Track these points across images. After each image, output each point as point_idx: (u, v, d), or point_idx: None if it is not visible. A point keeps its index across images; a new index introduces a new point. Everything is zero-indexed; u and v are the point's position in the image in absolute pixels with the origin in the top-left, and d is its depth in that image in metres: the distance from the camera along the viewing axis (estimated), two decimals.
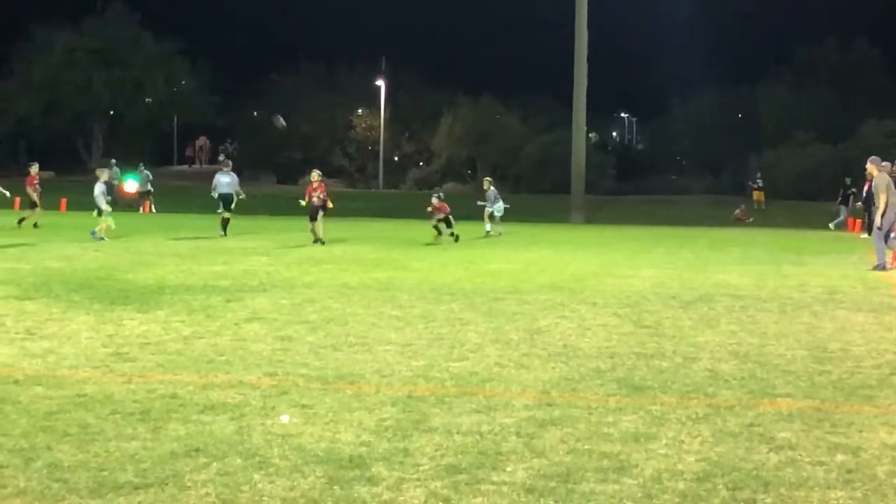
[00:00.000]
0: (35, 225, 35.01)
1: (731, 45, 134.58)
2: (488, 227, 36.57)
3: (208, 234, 32.35)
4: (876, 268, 23.13)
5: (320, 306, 15.97)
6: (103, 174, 31.58)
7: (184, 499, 6.74)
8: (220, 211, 33.20)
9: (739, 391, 10.22)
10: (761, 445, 8.16)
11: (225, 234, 31.98)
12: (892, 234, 22.97)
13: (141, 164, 56.46)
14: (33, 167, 37.27)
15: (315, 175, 31.35)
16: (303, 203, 30.94)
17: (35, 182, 36.07)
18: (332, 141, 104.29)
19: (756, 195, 63.60)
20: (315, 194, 30.60)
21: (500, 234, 36.24)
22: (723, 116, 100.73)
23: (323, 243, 29.39)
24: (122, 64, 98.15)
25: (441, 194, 33.22)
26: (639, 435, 8.43)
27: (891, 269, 23.29)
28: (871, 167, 24.36)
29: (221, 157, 36.26)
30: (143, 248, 27.04)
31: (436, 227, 31.43)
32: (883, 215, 22.87)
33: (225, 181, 33.11)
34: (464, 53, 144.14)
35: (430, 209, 31.69)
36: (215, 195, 33.20)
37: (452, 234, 31.48)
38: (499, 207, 36.95)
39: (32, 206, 35.72)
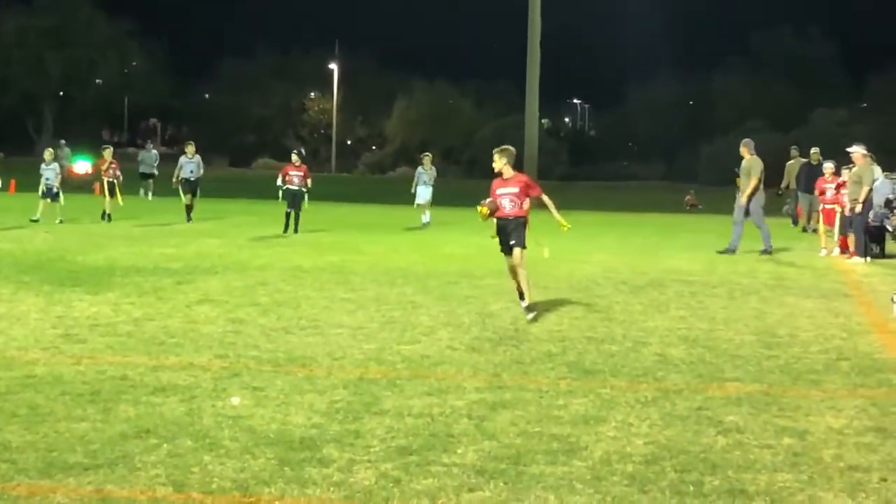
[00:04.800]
0: (105, 216, 30.56)
1: (686, 33, 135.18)
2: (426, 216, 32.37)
3: (163, 218, 32.07)
4: (764, 252, 23.70)
5: (272, 289, 15.93)
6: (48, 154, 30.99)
7: (134, 480, 6.73)
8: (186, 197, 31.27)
9: (688, 375, 10.31)
10: (709, 429, 8.25)
11: (189, 220, 30.32)
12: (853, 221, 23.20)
13: (62, 140, 55.55)
14: (106, 150, 32.70)
15: (295, 157, 28.96)
16: (280, 183, 27.84)
17: (103, 167, 31.48)
18: (286, 124, 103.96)
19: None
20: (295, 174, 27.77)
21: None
22: (676, 104, 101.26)
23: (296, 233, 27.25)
24: (75, 44, 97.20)
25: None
26: (588, 418, 8.49)
27: (827, 255, 23.65)
28: (744, 149, 24.66)
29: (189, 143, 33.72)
30: (93, 230, 26.84)
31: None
32: (750, 197, 23.80)
33: (190, 167, 31.52)
34: (418, 38, 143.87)
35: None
36: (176, 181, 31.51)
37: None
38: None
39: (111, 193, 30.79)
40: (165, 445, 7.47)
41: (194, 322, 12.79)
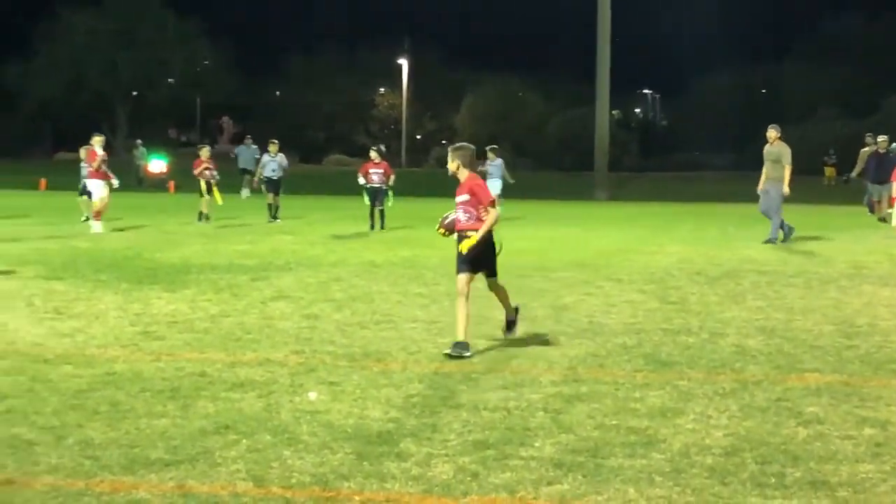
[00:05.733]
0: (202, 217, 29.80)
1: (756, 20, 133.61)
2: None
3: (234, 215, 32.29)
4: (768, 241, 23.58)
5: (346, 284, 16.00)
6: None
7: (214, 475, 6.79)
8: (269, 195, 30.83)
9: (767, 366, 10.21)
10: (789, 420, 8.16)
11: (275, 221, 29.71)
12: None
13: (138, 140, 55.75)
14: (203, 150, 31.70)
15: (374, 153, 28.12)
16: (363, 182, 27.38)
17: (199, 167, 30.34)
18: (356, 120, 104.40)
19: (828, 171, 63.92)
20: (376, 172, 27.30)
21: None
22: (747, 92, 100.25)
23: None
24: (145, 44, 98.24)
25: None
26: (666, 410, 8.44)
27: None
28: (773, 134, 24.26)
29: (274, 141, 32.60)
30: (169, 228, 27.12)
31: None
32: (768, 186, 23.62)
33: (272, 165, 31.17)
34: (487, 31, 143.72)
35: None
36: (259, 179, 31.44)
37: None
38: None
39: (209, 192, 30.00)
40: (245, 441, 7.53)
41: (270, 318, 12.88)
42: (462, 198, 11.13)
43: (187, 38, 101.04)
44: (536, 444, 7.50)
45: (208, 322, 12.56)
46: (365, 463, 7.04)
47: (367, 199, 27.27)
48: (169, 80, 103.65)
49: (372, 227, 26.89)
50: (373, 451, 7.30)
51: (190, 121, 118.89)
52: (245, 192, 42.23)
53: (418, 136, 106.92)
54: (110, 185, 26.26)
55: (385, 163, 28.13)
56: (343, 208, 36.22)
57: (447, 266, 18.48)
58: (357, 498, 6.40)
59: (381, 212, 27.14)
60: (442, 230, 11.47)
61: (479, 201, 11.04)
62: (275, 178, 30.90)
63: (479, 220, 11.05)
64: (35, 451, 7.23)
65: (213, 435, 7.67)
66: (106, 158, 26.53)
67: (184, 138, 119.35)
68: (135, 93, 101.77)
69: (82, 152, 29.82)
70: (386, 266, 18.52)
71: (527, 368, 10.10)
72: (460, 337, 10.64)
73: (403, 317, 13.00)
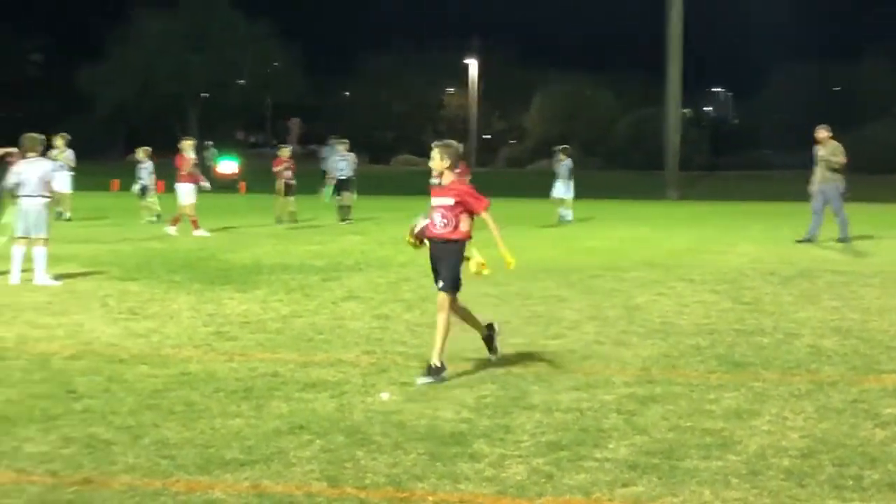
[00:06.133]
0: (283, 219, 29.49)
1: (831, 18, 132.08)
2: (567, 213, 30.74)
3: (309, 217, 32.35)
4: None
5: (416, 285, 16.01)
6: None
7: (289, 475, 6.82)
8: (336, 197, 30.88)
9: (842, 367, 10.08)
10: (866, 421, 8.06)
11: (347, 221, 29.42)
12: None
13: (209, 142, 55.62)
14: (283, 150, 31.35)
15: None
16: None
17: (280, 167, 30.02)
18: (424, 120, 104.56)
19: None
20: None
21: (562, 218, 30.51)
22: (820, 91, 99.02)
23: None
24: (216, 46, 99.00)
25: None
26: (741, 411, 8.36)
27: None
28: (825, 134, 23.97)
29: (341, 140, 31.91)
30: (240, 229, 27.30)
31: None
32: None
33: (342, 165, 30.88)
34: (555, 30, 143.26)
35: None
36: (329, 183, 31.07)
37: None
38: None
39: (287, 193, 29.84)
40: (318, 441, 7.55)
41: (341, 318, 12.93)
42: (444, 201, 9.97)
43: (257, 40, 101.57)
44: (610, 446, 7.46)
45: (280, 322, 12.63)
46: (438, 463, 7.04)
47: None
48: (239, 81, 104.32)
49: None
50: (446, 451, 7.29)
51: (259, 122, 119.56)
52: (328, 194, 41.59)
53: (487, 136, 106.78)
54: (199, 187, 26.28)
55: (462, 163, 27.68)
56: (412, 209, 36.15)
57: (517, 266, 18.44)
58: (431, 499, 6.40)
59: None
60: (413, 240, 10.53)
61: (470, 208, 10.00)
62: (344, 177, 30.70)
63: (457, 228, 9.95)
64: (112, 451, 7.31)
65: (286, 435, 7.71)
66: (197, 162, 26.61)
67: (252, 139, 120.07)
68: (205, 94, 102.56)
69: (139, 153, 30.15)
70: None
71: (599, 369, 10.05)
72: (437, 359, 9.62)
73: None
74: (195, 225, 25.28)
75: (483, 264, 10.02)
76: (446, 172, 10.14)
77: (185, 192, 25.62)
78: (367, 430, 7.84)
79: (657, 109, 61.76)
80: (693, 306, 13.88)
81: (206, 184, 26.85)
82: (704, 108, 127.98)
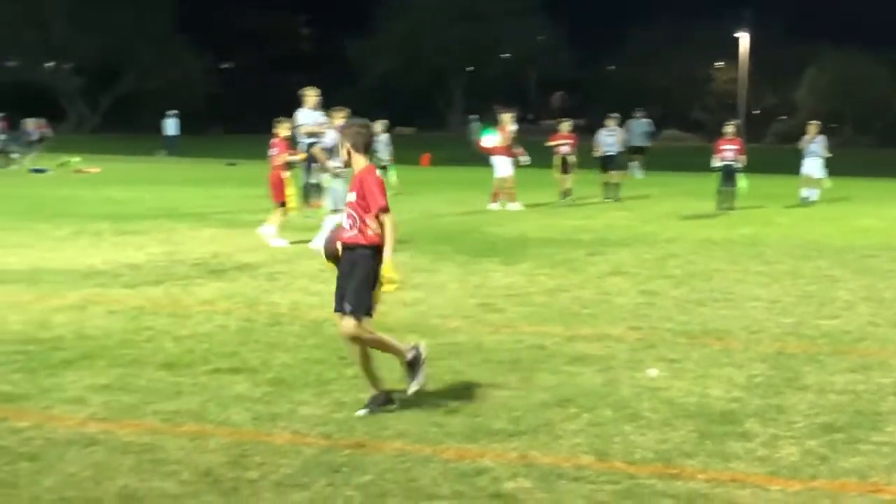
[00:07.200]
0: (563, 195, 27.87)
1: None
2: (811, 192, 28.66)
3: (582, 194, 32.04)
4: None
5: (683, 261, 15.80)
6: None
7: (556, 447, 6.84)
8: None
9: None
10: None
11: (614, 199, 28.35)
12: None
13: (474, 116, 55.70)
14: (563, 124, 29.82)
15: (730, 128, 26.79)
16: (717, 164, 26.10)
17: (556, 141, 28.62)
18: (690, 95, 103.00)
19: None
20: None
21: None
22: None
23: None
24: (481, 20, 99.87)
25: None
26: None
27: None
28: None
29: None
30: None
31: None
32: None
33: (609, 141, 29.71)
34: (829, 4, 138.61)
35: None
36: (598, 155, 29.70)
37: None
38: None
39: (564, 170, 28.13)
40: (585, 415, 7.54)
41: (607, 293, 12.87)
42: (350, 196, 7.80)
43: (522, 13, 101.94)
44: (889, 429, 7.22)
45: (545, 296, 12.67)
46: (708, 442, 6.93)
47: (722, 179, 26.06)
48: (503, 55, 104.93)
49: (719, 206, 25.53)
50: (716, 430, 7.18)
51: (522, 96, 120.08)
52: (636, 170, 39.19)
53: (757, 112, 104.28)
54: (517, 161, 26.10)
55: (739, 139, 26.87)
56: (678, 184, 35.74)
57: (787, 244, 18.06)
58: (701, 476, 6.31)
59: (732, 192, 25.76)
60: (327, 259, 8.02)
61: (366, 206, 7.63)
62: (611, 153, 29.85)
63: (362, 231, 7.63)
64: (383, 417, 7.48)
65: (553, 407, 7.73)
66: (515, 135, 26.54)
67: (513, 114, 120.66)
68: (470, 68, 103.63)
69: (376, 126, 28.76)
70: (724, 244, 18.16)
71: (875, 351, 9.71)
72: (377, 389, 7.82)
73: (744, 295, 12.71)
74: (511, 198, 25.27)
75: (391, 279, 7.76)
76: (354, 158, 7.80)
77: (503, 165, 25.70)
78: (635, 405, 7.79)
79: None
80: None
81: (525, 158, 26.66)
82: None
